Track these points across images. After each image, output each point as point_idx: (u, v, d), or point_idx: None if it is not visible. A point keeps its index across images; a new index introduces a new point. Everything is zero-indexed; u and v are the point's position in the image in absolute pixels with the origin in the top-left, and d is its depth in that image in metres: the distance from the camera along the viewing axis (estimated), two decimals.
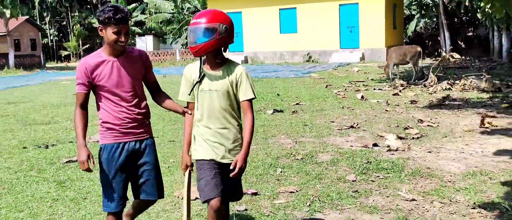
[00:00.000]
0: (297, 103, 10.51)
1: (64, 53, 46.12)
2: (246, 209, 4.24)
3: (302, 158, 5.87)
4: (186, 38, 43.07)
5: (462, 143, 6.49)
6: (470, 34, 29.66)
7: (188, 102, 3.06)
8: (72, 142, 7.35)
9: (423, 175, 5.07)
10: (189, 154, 3.07)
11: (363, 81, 14.59)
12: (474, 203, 4.18)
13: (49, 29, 48.06)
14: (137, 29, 41.53)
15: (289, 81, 15.68)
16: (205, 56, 2.91)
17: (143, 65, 3.09)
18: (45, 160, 6.31)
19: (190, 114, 3.06)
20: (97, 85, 2.96)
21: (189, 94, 2.99)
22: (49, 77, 22.69)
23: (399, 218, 3.93)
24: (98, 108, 3.06)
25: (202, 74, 2.93)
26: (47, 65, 37.47)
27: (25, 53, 35.71)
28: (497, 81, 12.24)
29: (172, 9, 37.60)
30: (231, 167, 2.86)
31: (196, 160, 3.00)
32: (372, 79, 15.28)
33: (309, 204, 4.29)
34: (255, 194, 4.62)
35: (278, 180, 5.07)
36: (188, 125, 3.07)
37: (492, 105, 9.47)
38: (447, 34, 24.73)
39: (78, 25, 47.52)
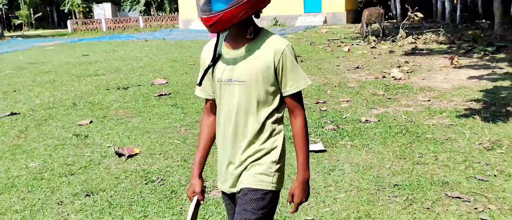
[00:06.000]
0: (297, 55, 12.71)
1: (16, 22, 45.37)
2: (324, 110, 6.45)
3: (337, 86, 8.14)
4: (144, 6, 43.65)
5: (442, 74, 9.02)
6: None
7: (206, 100, 2.05)
8: (140, 85, 9.13)
9: (427, 90, 7.51)
10: (200, 176, 2.05)
11: (337, 39, 17.00)
12: (466, 100, 6.65)
13: None
14: None
15: None
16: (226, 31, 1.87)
17: None
18: (136, 95, 8.09)
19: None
20: None
21: (200, 85, 1.99)
22: (29, 44, 23.27)
23: (425, 108, 6.30)
24: None
25: (218, 55, 1.92)
26: (5, 34, 37.07)
27: None
28: (450, 35, 15.08)
29: None
30: (288, 202, 1.94)
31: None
32: (344, 37, 17.74)
33: (365, 105, 6.59)
34: (324, 102, 6.84)
35: (331, 97, 7.31)
36: (206, 130, 2.06)
37: (452, 52, 12.17)
38: None
39: None
